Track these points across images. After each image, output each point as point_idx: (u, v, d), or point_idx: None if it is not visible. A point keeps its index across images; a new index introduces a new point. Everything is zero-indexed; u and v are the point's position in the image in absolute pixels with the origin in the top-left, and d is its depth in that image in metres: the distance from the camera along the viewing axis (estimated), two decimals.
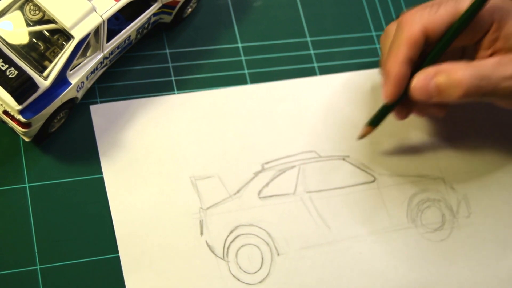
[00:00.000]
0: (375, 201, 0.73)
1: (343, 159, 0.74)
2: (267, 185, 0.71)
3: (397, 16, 0.72)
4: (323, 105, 0.76)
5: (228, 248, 0.69)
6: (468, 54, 0.71)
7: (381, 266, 0.71)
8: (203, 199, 0.69)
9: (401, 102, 0.70)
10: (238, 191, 0.70)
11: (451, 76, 0.65)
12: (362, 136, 0.73)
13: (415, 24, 0.67)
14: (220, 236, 0.69)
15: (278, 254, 0.69)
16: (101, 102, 0.72)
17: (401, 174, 0.75)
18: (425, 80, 0.66)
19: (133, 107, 0.72)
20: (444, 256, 0.73)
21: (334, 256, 0.70)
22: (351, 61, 0.80)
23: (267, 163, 0.72)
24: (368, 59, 0.80)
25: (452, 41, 0.68)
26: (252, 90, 0.75)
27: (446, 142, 0.77)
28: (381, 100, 0.71)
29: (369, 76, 0.78)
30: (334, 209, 0.72)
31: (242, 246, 0.69)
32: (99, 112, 0.71)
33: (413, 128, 0.77)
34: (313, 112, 0.75)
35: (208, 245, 0.68)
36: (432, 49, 0.68)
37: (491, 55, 0.68)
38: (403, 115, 0.72)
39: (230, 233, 0.69)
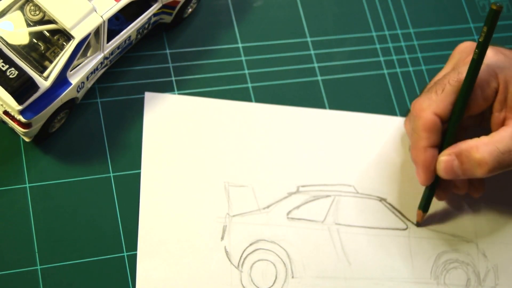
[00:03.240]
0: (402, 249, 0.72)
1: (380, 201, 0.74)
2: (298, 207, 0.71)
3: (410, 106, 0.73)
4: (369, 144, 0.76)
5: (244, 259, 0.69)
6: (485, 118, 0.72)
7: None
8: (231, 205, 0.70)
9: (439, 183, 0.71)
10: (268, 206, 0.71)
11: (472, 156, 0.67)
12: (419, 221, 0.73)
13: (425, 111, 0.69)
14: (240, 246, 0.69)
15: (293, 277, 0.69)
16: (101, 102, 0.72)
17: (435, 229, 0.74)
18: (448, 162, 0.68)
19: (185, 103, 0.72)
20: None
21: None
22: (351, 61, 0.80)
23: (303, 186, 0.72)
24: (368, 59, 0.80)
25: (462, 114, 0.69)
26: (302, 114, 0.75)
27: (487, 209, 0.76)
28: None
29: None
30: (359, 247, 0.71)
31: (258, 260, 0.69)
32: (152, 101, 0.72)
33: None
34: (358, 148, 0.75)
35: (226, 251, 0.68)
36: (448, 128, 0.69)
37: (505, 117, 0.69)
38: (442, 196, 0.73)
39: (250, 245, 0.69)
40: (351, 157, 0.75)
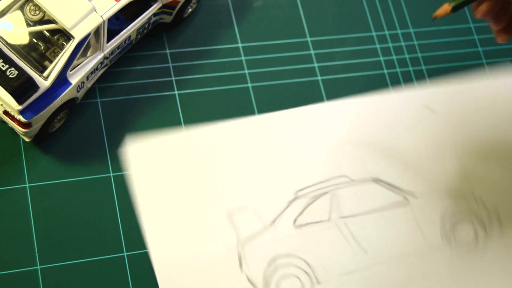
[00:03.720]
0: (408, 221, 0.73)
1: (374, 181, 0.74)
2: (301, 213, 0.71)
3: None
4: (350, 129, 0.75)
5: (268, 281, 0.68)
6: None
7: (420, 285, 0.71)
8: (239, 232, 0.69)
9: None
10: (273, 221, 0.70)
11: None
12: (437, 15, 0.66)
13: None
14: (260, 269, 0.68)
15: (319, 283, 0.69)
16: (101, 102, 0.72)
17: (432, 193, 0.74)
18: None
19: (167, 141, 0.71)
20: (481, 271, 0.72)
21: (373, 280, 0.70)
22: (351, 61, 0.80)
23: (299, 190, 0.72)
24: (368, 59, 0.80)
25: None
26: (277, 118, 0.74)
27: (476, 159, 0.76)
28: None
29: (388, 100, 0.78)
30: (369, 233, 0.72)
31: (282, 278, 0.68)
32: (135, 151, 0.69)
33: (442, 146, 0.76)
34: (340, 137, 0.75)
35: (249, 280, 0.68)
36: None
37: None
38: (483, 12, 0.65)
39: (269, 264, 0.68)
40: (336, 148, 0.74)
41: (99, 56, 0.68)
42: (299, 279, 0.69)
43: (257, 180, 0.71)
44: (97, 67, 0.69)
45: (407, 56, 0.82)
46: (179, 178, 0.70)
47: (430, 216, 0.73)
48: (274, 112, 0.75)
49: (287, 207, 0.71)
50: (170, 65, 0.75)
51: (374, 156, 0.75)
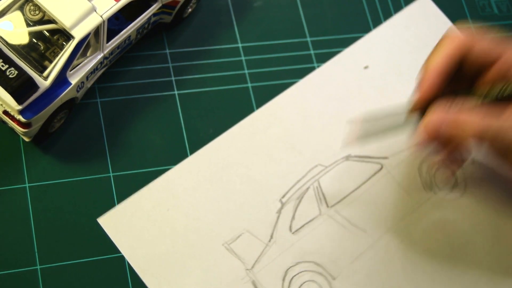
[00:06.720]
0: (390, 186, 0.73)
1: (346, 159, 0.74)
2: (293, 217, 0.71)
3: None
4: (306, 114, 0.75)
5: None
6: None
7: (422, 246, 0.72)
8: (244, 260, 0.68)
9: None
10: (271, 236, 0.70)
11: (463, 126, 0.61)
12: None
13: (460, 35, 0.64)
14: (277, 287, 0.68)
15: (334, 278, 0.69)
16: (101, 102, 0.72)
17: (402, 150, 0.74)
18: (438, 122, 0.62)
19: (137, 199, 0.69)
20: (471, 208, 0.73)
21: (381, 255, 0.71)
22: None
23: (283, 196, 0.71)
24: None
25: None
26: (233, 134, 0.73)
27: None
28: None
29: (323, 73, 0.78)
30: (361, 212, 0.72)
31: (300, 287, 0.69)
32: (110, 222, 0.68)
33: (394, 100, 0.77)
34: (300, 126, 0.75)
35: None
36: (465, 88, 0.65)
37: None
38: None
39: (283, 280, 0.68)
40: (300, 140, 0.74)
41: (99, 56, 0.68)
42: (315, 282, 0.69)
43: (240, 202, 0.71)
44: (97, 67, 0.69)
45: None
46: (163, 231, 0.68)
47: (408, 173, 0.73)
48: (226, 131, 0.74)
49: (278, 217, 0.71)
50: (170, 65, 0.75)
51: (339, 134, 0.74)
